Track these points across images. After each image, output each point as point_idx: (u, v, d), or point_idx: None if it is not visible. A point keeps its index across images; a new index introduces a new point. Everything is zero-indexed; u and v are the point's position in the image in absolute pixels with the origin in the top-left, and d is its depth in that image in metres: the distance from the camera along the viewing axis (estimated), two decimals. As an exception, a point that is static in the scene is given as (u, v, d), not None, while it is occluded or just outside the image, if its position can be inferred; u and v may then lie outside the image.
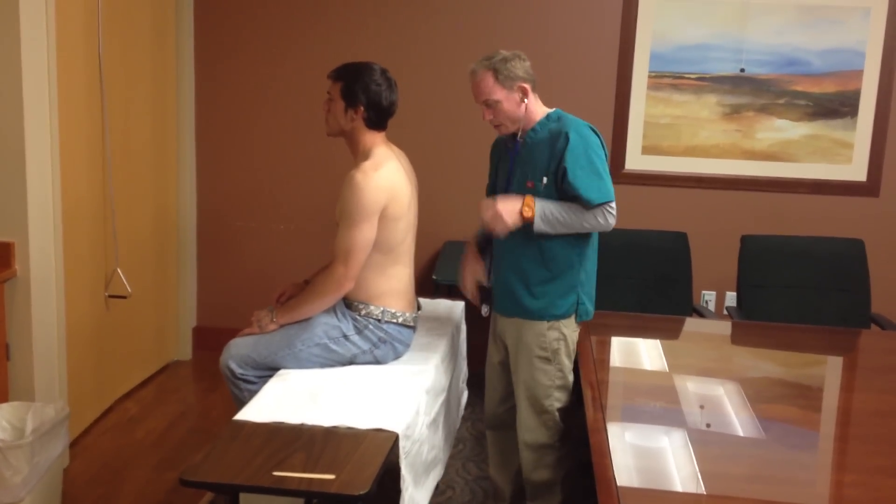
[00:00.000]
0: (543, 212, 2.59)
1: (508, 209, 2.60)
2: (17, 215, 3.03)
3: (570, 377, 2.76)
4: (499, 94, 2.63)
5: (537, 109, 2.70)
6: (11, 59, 2.93)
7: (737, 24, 4.17)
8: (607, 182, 2.61)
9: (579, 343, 2.79)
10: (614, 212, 2.62)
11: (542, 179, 2.63)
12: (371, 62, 2.86)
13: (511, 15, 4.25)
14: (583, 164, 2.58)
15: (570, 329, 2.73)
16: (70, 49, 3.27)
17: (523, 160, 2.69)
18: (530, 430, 2.77)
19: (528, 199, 2.60)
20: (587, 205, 2.58)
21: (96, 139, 3.54)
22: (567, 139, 2.59)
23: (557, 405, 2.74)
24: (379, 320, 2.84)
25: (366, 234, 2.74)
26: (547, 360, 2.72)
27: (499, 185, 2.79)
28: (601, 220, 2.61)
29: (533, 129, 2.68)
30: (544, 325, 2.70)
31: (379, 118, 2.84)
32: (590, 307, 2.78)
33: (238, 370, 2.81)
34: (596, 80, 4.27)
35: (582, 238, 2.68)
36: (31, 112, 3.01)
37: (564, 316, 2.72)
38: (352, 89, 2.80)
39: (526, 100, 2.65)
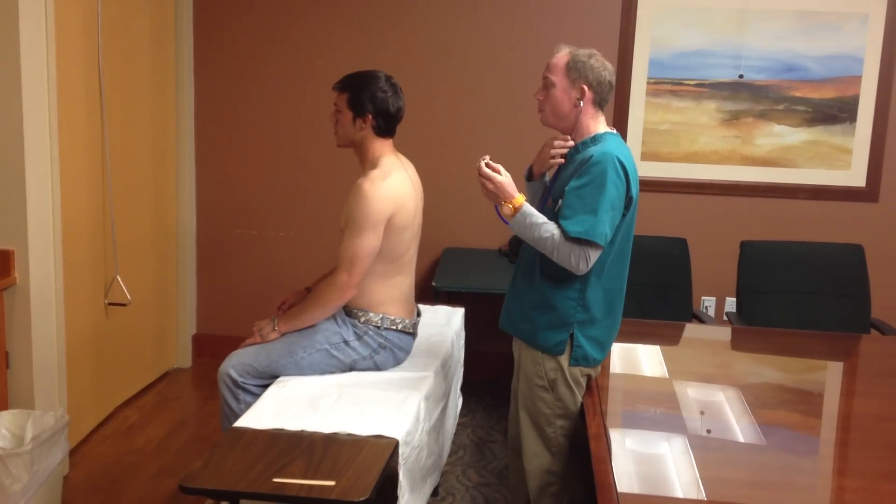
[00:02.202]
0: (524, 220, 2.42)
1: (501, 191, 2.43)
2: (16, 223, 3.03)
3: (573, 407, 2.56)
4: (559, 79, 2.48)
5: (590, 125, 2.50)
6: (11, 67, 2.94)
7: (735, 31, 4.17)
8: (600, 222, 2.35)
9: None
10: (591, 258, 2.38)
11: (558, 201, 2.46)
12: (375, 70, 2.86)
13: (509, 20, 4.26)
14: (583, 193, 2.37)
15: (567, 362, 2.53)
16: (70, 57, 3.28)
17: (560, 176, 2.55)
18: (536, 455, 2.60)
19: (519, 200, 2.44)
20: (564, 234, 2.38)
21: (96, 146, 3.54)
22: (586, 162, 2.40)
23: (562, 433, 2.58)
24: (378, 327, 2.84)
25: (371, 242, 2.73)
26: (545, 388, 2.55)
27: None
28: (572, 260, 2.38)
29: (576, 148, 2.52)
30: (538, 352, 2.55)
31: (388, 125, 2.83)
32: (591, 352, 2.52)
33: (239, 378, 2.81)
34: (595, 86, 4.27)
35: (590, 275, 2.46)
36: (31, 120, 3.01)
37: (553, 351, 2.51)
38: (359, 99, 2.79)
39: (581, 103, 2.48)
